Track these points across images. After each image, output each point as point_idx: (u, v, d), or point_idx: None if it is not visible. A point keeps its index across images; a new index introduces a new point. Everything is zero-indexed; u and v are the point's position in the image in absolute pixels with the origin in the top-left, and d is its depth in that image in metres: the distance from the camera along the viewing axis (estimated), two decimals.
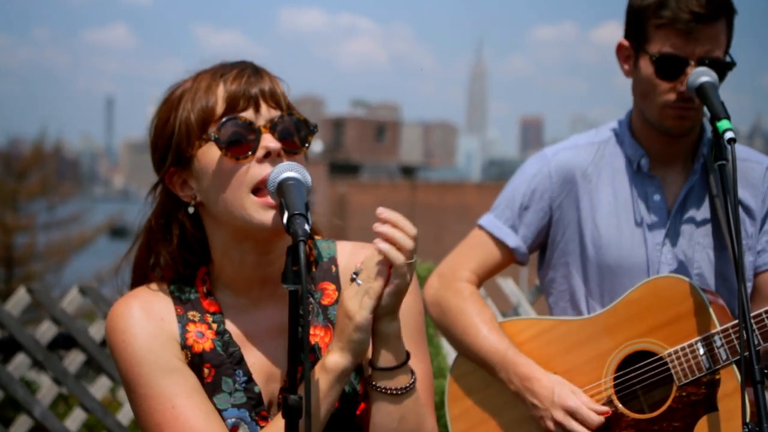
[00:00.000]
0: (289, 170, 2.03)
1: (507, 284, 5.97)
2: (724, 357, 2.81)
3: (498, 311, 6.10)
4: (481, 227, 3.21)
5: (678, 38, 2.90)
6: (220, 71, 2.12)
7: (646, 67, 2.96)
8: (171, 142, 2.12)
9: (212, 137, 2.06)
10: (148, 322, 2.11)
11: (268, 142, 2.06)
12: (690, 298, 2.87)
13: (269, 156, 2.06)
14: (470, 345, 3.07)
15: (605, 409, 2.90)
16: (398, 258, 1.99)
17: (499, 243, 3.17)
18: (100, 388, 5.09)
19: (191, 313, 2.15)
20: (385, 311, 2.02)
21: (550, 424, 2.92)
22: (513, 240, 3.15)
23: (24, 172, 31.92)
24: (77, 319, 5.15)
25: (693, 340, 2.84)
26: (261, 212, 2.05)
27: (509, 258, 3.19)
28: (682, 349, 2.85)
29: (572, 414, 2.90)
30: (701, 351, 2.83)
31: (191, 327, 2.14)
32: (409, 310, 2.15)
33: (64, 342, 4.97)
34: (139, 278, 2.22)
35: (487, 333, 3.05)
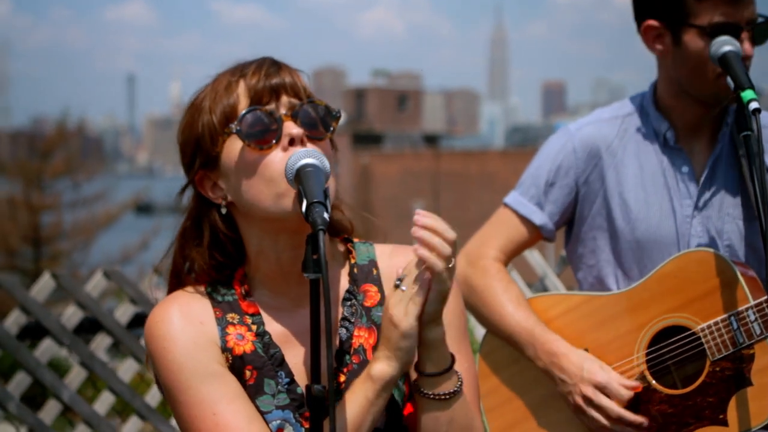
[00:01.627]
0: (306, 157, 2.00)
1: (533, 256, 5.94)
2: (758, 331, 2.77)
3: (524, 283, 6.07)
4: (506, 205, 3.17)
5: (726, 6, 2.86)
6: (240, 69, 2.10)
7: (694, 41, 2.90)
8: (197, 145, 2.10)
9: (233, 130, 2.04)
10: (188, 327, 2.08)
11: (291, 129, 2.03)
12: (722, 271, 2.83)
13: (293, 143, 2.03)
14: (498, 323, 3.05)
15: (635, 383, 2.87)
16: (438, 265, 1.96)
17: (525, 221, 3.14)
18: (127, 370, 5.09)
19: (230, 315, 2.12)
20: (429, 318, 1.99)
21: (579, 400, 2.89)
22: (539, 217, 3.12)
23: (48, 152, 32.09)
24: (105, 301, 5.15)
25: (726, 315, 2.81)
26: (288, 198, 2.01)
27: (536, 235, 3.16)
28: (716, 323, 2.81)
29: (601, 389, 2.86)
30: (735, 326, 2.79)
31: (231, 329, 2.10)
32: (451, 311, 2.11)
33: (90, 326, 4.97)
34: (175, 285, 2.19)
35: (513, 310, 3.02)
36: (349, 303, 2.15)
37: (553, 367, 2.94)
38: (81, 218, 31.05)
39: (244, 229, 2.13)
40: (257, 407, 2.06)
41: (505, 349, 3.10)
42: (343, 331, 2.13)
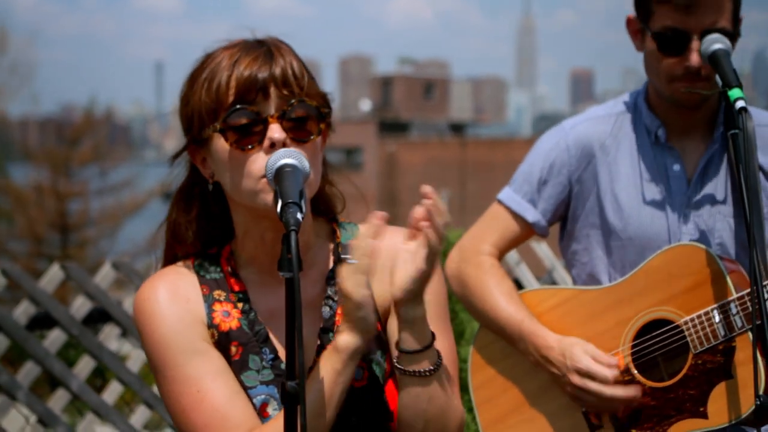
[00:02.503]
0: (285, 157, 2.03)
1: (541, 248, 5.96)
2: (740, 324, 2.79)
3: (532, 275, 6.10)
4: (500, 202, 3.20)
5: (677, 13, 2.84)
6: (237, 55, 2.11)
7: (650, 43, 2.92)
8: (189, 123, 2.14)
9: (217, 129, 2.08)
10: (174, 305, 2.14)
11: (274, 132, 2.06)
12: (707, 266, 2.85)
13: (275, 147, 2.06)
14: (490, 316, 3.08)
15: (614, 360, 2.90)
16: (438, 246, 2.01)
17: (518, 217, 3.16)
18: (135, 361, 5.16)
19: (217, 293, 2.18)
20: (411, 296, 2.04)
21: (571, 390, 2.92)
22: (532, 214, 3.14)
23: (76, 139, 32.27)
24: (123, 292, 5.21)
25: (709, 308, 2.83)
26: (265, 195, 2.06)
27: (528, 232, 3.18)
28: (698, 316, 2.84)
29: (586, 375, 2.89)
30: (717, 318, 2.81)
31: (217, 306, 2.17)
32: (432, 290, 2.16)
33: (99, 316, 5.04)
34: (168, 253, 2.26)
35: (505, 304, 3.05)
36: (332, 282, 2.20)
37: (543, 360, 2.97)
38: (108, 205, 31.22)
39: (232, 207, 2.18)
40: (242, 382, 2.12)
41: (498, 343, 3.12)
42: (326, 309, 2.18)
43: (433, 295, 2.19)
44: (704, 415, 2.84)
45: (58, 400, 4.90)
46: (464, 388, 3.09)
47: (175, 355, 2.10)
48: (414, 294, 2.04)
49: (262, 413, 2.12)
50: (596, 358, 2.90)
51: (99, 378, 5.86)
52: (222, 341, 2.14)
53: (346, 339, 2.04)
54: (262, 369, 2.14)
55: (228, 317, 2.16)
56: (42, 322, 4.86)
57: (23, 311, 4.77)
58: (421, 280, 2.03)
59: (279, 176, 2.00)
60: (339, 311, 2.17)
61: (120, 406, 5.50)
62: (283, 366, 2.13)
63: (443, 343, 2.18)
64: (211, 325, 2.15)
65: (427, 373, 2.08)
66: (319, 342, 2.16)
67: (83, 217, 30.67)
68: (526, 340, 2.99)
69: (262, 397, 2.13)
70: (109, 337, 5.06)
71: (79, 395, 4.88)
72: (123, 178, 32.62)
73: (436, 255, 2.03)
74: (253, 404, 2.11)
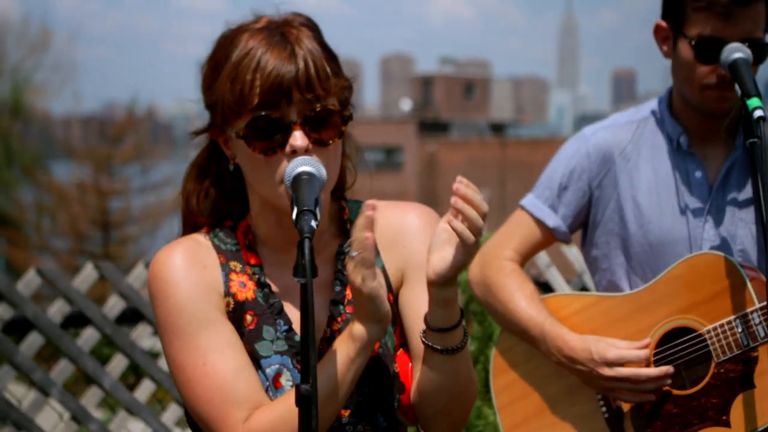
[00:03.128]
0: (304, 165, 2.06)
1: (571, 252, 5.96)
2: (762, 334, 2.80)
3: (563, 278, 6.10)
4: (522, 207, 3.22)
5: (717, 21, 2.84)
6: (261, 49, 2.09)
7: (685, 50, 2.92)
8: (212, 110, 2.16)
9: (240, 135, 2.10)
10: (191, 270, 2.15)
11: (296, 140, 2.08)
12: (729, 274, 2.86)
13: (297, 152, 2.08)
14: (511, 319, 3.10)
15: (646, 340, 2.91)
16: (470, 238, 2.03)
17: (539, 223, 3.18)
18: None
19: (233, 263, 2.19)
20: (444, 281, 2.06)
21: (604, 383, 2.91)
22: (552, 220, 3.16)
23: (118, 137, 32.56)
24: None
25: (731, 317, 2.84)
26: (283, 200, 2.09)
27: (550, 237, 3.20)
28: (721, 326, 2.85)
29: (618, 363, 2.88)
30: (739, 328, 2.82)
31: (233, 276, 2.18)
32: None
33: (132, 315, 5.10)
34: (186, 224, 2.27)
35: (526, 307, 3.06)
36: (342, 257, 2.22)
37: (567, 360, 2.97)
38: (149, 203, 31.47)
39: (249, 189, 2.21)
40: (256, 351, 2.14)
41: (520, 346, 3.14)
42: (337, 284, 2.21)
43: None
44: (727, 424, 2.85)
45: (91, 398, 4.97)
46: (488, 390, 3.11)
47: (187, 324, 2.11)
48: (448, 279, 2.06)
49: (274, 383, 2.14)
50: (624, 346, 2.90)
51: (132, 375, 5.93)
52: (237, 310, 2.15)
53: (360, 329, 2.06)
54: (276, 339, 2.15)
55: (244, 288, 2.17)
56: (76, 320, 4.93)
57: (58, 310, 4.84)
58: (457, 268, 2.06)
59: (296, 184, 2.03)
60: (348, 292, 2.21)
61: (152, 404, 5.57)
62: (296, 338, 2.15)
63: None
64: (227, 293, 2.16)
65: (454, 350, 2.11)
66: (329, 314, 2.19)
67: (124, 214, 30.95)
68: (549, 342, 3.00)
69: (276, 366, 2.14)
70: (142, 335, 5.13)
71: (111, 393, 4.95)
72: (164, 176, 32.84)
73: (472, 246, 2.04)
74: (267, 374, 2.13)
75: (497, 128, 67.48)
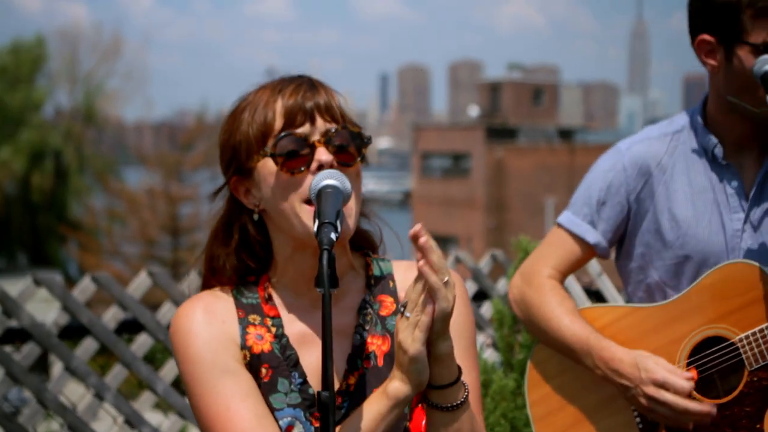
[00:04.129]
0: (328, 178, 2.12)
1: None
2: None
3: (614, 287, 6.09)
4: (560, 225, 3.23)
5: None
6: (279, 86, 2.21)
7: (747, 58, 2.89)
8: (234, 153, 2.23)
9: (268, 153, 2.17)
10: (210, 324, 2.22)
11: (321, 155, 2.15)
12: (761, 283, 2.87)
13: (322, 168, 2.15)
14: (554, 335, 3.10)
15: (690, 374, 2.91)
16: (437, 282, 2.05)
17: (579, 240, 3.18)
18: None
19: (252, 317, 2.25)
20: (435, 335, 2.10)
21: (645, 401, 2.92)
22: (593, 236, 3.17)
23: (188, 144, 32.93)
24: None
25: (764, 326, 2.84)
26: (311, 220, 2.14)
27: (590, 254, 3.21)
28: (753, 334, 2.85)
29: (662, 385, 2.89)
30: None
31: (251, 329, 2.24)
32: (458, 324, 2.23)
33: None
34: (207, 282, 2.34)
35: (569, 322, 3.07)
36: (364, 312, 2.27)
37: (612, 373, 2.97)
38: (218, 210, 31.76)
39: (274, 235, 2.26)
40: (270, 404, 2.19)
41: (555, 358, 3.17)
42: (357, 337, 2.25)
43: (461, 329, 2.27)
44: None
45: (144, 402, 5.07)
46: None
47: (207, 372, 2.18)
48: (437, 332, 2.09)
49: None
50: (671, 371, 2.91)
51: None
52: (253, 363, 2.21)
53: (396, 386, 2.11)
54: (290, 392, 2.20)
55: (261, 340, 2.23)
56: (130, 326, 5.04)
57: (112, 316, 4.95)
58: (441, 318, 2.08)
59: (320, 196, 2.09)
60: (369, 339, 2.25)
61: None
62: (311, 391, 2.20)
63: (469, 375, 2.24)
64: (244, 347, 2.22)
65: (455, 408, 2.15)
66: (346, 367, 2.23)
67: (194, 220, 31.26)
68: (594, 355, 3.00)
69: (288, 419, 2.19)
70: None
71: (164, 397, 5.05)
72: None
73: (448, 289, 2.07)
74: (279, 426, 2.18)
75: (565, 134, 66.97)
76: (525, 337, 5.06)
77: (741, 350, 2.87)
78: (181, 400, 5.09)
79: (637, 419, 3.03)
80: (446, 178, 54.52)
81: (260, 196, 2.23)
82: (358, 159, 2.21)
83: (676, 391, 2.87)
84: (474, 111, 75.28)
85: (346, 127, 2.20)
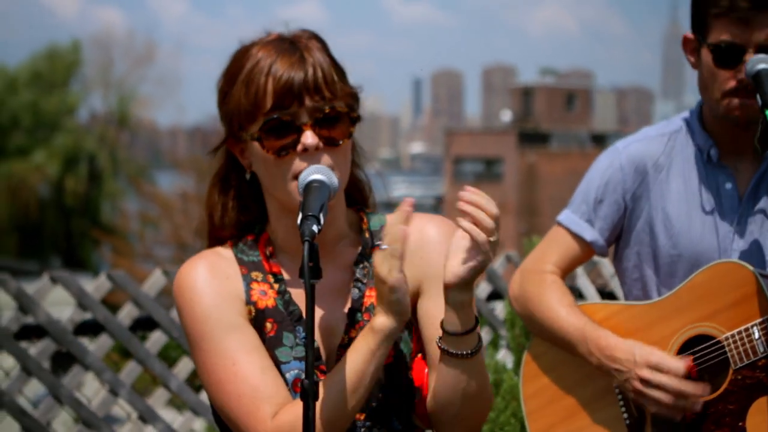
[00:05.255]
0: (316, 173, 2.18)
1: None
2: None
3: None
4: (559, 223, 3.26)
5: (736, 26, 2.88)
6: (272, 57, 2.23)
7: (706, 57, 2.96)
8: (229, 120, 2.29)
9: (255, 137, 2.23)
10: (214, 280, 2.26)
11: (307, 138, 2.20)
12: (749, 283, 2.89)
13: (308, 150, 2.21)
14: (550, 325, 3.14)
15: (687, 358, 2.93)
16: (480, 236, 2.11)
17: (577, 237, 3.22)
18: None
19: (254, 273, 2.30)
20: (462, 282, 2.15)
21: (638, 384, 2.93)
22: (590, 234, 3.20)
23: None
24: None
25: (749, 324, 2.87)
26: (296, 196, 2.20)
27: (588, 251, 3.24)
28: (738, 333, 2.88)
29: (657, 367, 2.91)
30: (756, 335, 2.85)
31: (255, 285, 2.29)
32: (440, 276, 2.24)
33: None
34: (210, 237, 2.39)
35: (566, 314, 3.10)
36: (361, 265, 2.32)
37: (607, 360, 3.00)
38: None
39: (266, 196, 2.33)
40: (276, 358, 2.25)
41: (550, 352, 3.20)
42: (356, 291, 2.30)
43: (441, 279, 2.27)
44: (743, 430, 2.88)
45: (158, 398, 5.15)
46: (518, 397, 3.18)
47: (213, 329, 2.22)
48: (465, 282, 2.15)
49: (293, 388, 2.23)
50: (665, 354, 2.94)
51: (197, 378, 6.07)
52: (258, 318, 2.26)
53: (381, 320, 2.14)
54: (296, 346, 2.25)
55: (264, 296, 2.28)
56: (144, 324, 5.12)
57: (127, 313, 5.03)
58: (474, 271, 2.14)
59: (307, 190, 2.15)
60: (367, 292, 2.30)
61: None
62: (315, 344, 2.23)
63: None
64: (249, 302, 2.27)
65: (470, 355, 2.19)
66: (347, 322, 2.28)
67: None
68: (589, 342, 3.03)
69: (295, 372, 2.24)
70: None
71: (178, 394, 5.13)
72: None
73: (492, 246, 2.12)
74: (286, 379, 2.23)
75: (598, 139, 66.64)
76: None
77: (726, 348, 2.89)
78: (195, 397, 5.16)
79: (624, 414, 3.07)
80: (478, 182, 54.41)
81: (253, 161, 2.29)
82: (346, 139, 2.26)
83: (671, 372, 2.89)
84: (507, 116, 75.15)
85: (334, 107, 2.23)
